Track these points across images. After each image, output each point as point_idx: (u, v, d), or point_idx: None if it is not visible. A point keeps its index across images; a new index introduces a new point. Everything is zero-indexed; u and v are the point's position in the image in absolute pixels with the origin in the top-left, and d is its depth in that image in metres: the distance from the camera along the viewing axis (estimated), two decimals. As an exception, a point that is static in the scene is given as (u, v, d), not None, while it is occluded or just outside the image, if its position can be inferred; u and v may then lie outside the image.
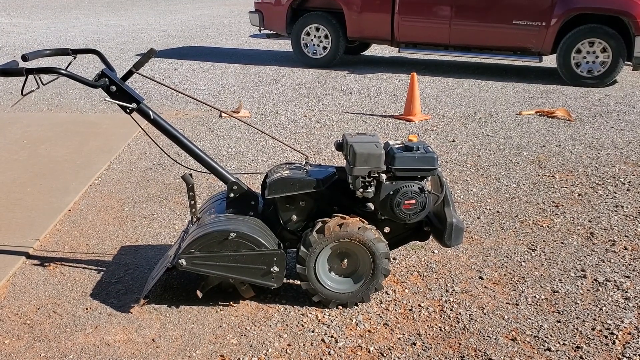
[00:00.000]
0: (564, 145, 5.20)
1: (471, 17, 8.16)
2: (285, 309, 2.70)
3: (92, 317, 2.64)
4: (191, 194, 2.75)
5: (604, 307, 2.72)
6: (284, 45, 10.23)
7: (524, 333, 2.53)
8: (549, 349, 2.42)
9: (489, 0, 8.02)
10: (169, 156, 3.09)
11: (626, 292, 2.86)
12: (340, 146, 2.82)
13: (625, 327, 2.57)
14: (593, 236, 3.45)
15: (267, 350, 2.42)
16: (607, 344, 2.46)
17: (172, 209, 3.81)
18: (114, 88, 2.59)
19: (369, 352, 2.42)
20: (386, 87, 7.58)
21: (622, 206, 3.88)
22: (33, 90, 2.69)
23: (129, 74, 2.66)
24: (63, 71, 2.49)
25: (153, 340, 2.49)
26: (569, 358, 2.37)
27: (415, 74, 6.17)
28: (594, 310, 2.70)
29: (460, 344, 2.47)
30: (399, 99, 6.89)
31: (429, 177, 2.68)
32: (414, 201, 2.60)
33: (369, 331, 2.56)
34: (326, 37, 8.85)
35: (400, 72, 8.54)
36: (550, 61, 8.55)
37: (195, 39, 12.07)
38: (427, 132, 5.62)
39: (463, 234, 2.73)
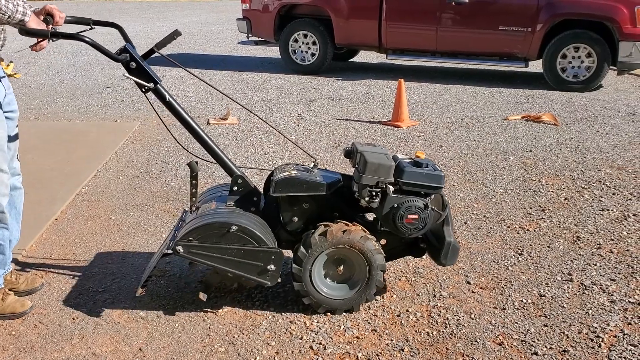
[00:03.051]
0: (550, 150, 5.25)
1: (458, 24, 8.22)
2: (274, 316, 2.70)
3: (79, 327, 2.62)
4: (194, 182, 2.74)
5: (590, 311, 2.74)
6: (272, 51, 10.26)
7: (511, 337, 2.55)
8: (536, 353, 2.44)
9: (475, 7, 8.09)
10: (176, 141, 3.07)
11: (612, 295, 2.88)
12: (349, 153, 2.83)
13: (611, 330, 2.59)
14: (579, 240, 3.48)
15: (255, 358, 2.42)
16: (593, 347, 2.48)
17: (159, 217, 3.80)
18: (133, 65, 2.56)
19: (357, 358, 2.42)
20: (374, 94, 7.61)
21: (608, 210, 3.92)
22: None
23: (150, 53, 2.65)
24: (87, 39, 2.45)
25: (140, 349, 2.48)
26: (555, 362, 2.39)
27: (402, 80, 6.20)
28: (580, 313, 2.72)
29: (447, 349, 2.48)
30: (387, 105, 6.92)
31: (433, 195, 2.67)
32: (416, 216, 2.60)
33: (357, 337, 2.56)
34: (314, 43, 8.87)
35: (388, 78, 8.58)
36: (536, 66, 8.63)
37: (183, 46, 12.05)
38: (414, 138, 5.65)
39: (458, 254, 2.74)
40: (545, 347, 2.48)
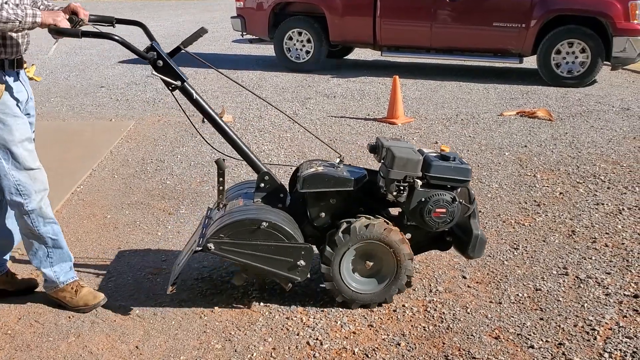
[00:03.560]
0: (545, 145, 5.26)
1: (452, 20, 8.23)
2: (270, 312, 2.70)
3: (75, 325, 2.61)
4: (221, 179, 2.74)
5: (586, 304, 2.75)
6: (267, 50, 10.24)
7: (507, 331, 2.55)
8: (532, 346, 2.44)
9: (469, 3, 8.10)
10: (202, 137, 3.08)
11: (607, 288, 2.89)
12: (374, 149, 2.83)
13: (606, 323, 2.60)
14: (574, 234, 3.49)
15: (252, 355, 2.42)
16: (588, 340, 2.48)
17: (154, 216, 3.79)
18: (160, 63, 2.56)
19: (354, 353, 2.43)
20: (369, 91, 7.61)
21: (603, 204, 3.93)
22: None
23: (176, 51, 2.65)
24: (117, 37, 2.46)
25: (137, 347, 2.47)
26: (551, 355, 2.39)
27: (397, 77, 6.20)
28: (575, 307, 2.73)
29: (444, 343, 2.48)
30: (382, 102, 6.92)
31: (459, 188, 2.68)
32: (444, 210, 2.61)
33: (354, 333, 2.56)
34: (309, 41, 8.87)
35: (383, 75, 8.59)
36: (530, 62, 8.64)
37: (177, 45, 12.03)
38: (410, 135, 5.65)
39: (485, 246, 2.76)
40: (541, 340, 2.49)
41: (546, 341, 2.48)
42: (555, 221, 3.67)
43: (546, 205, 3.91)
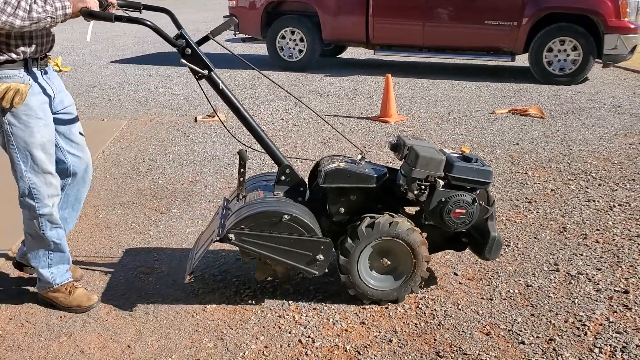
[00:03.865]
0: (537, 143, 5.28)
1: (444, 19, 8.25)
2: (262, 311, 2.70)
3: (67, 325, 2.61)
4: (242, 170, 2.74)
5: (576, 300, 2.77)
6: (260, 48, 10.23)
7: (499, 327, 2.57)
8: (523, 342, 2.46)
9: (461, 2, 8.12)
10: (226, 128, 3.08)
11: (597, 284, 2.91)
12: (395, 147, 2.84)
13: (596, 319, 2.61)
14: (565, 230, 3.51)
15: (244, 353, 2.42)
16: (579, 336, 2.50)
17: (146, 215, 3.78)
18: (189, 51, 2.55)
19: (346, 350, 2.43)
20: (362, 89, 7.62)
21: (594, 200, 3.95)
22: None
23: (204, 40, 2.65)
24: (149, 23, 2.46)
25: (129, 346, 2.47)
26: (542, 350, 2.40)
27: (390, 75, 6.21)
28: (566, 303, 2.75)
29: (435, 339, 2.49)
30: (375, 100, 6.93)
31: (478, 190, 2.69)
32: (464, 211, 2.62)
33: (346, 330, 2.57)
34: (301, 40, 8.87)
35: (376, 74, 8.60)
36: (522, 60, 8.67)
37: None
38: (402, 133, 5.66)
39: (501, 248, 2.77)
40: (532, 336, 2.50)
41: (537, 337, 2.49)
42: (546, 218, 3.68)
43: (537, 202, 3.92)
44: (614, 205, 3.86)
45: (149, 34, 13.90)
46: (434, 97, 7.18)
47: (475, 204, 2.63)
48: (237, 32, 9.45)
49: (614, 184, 4.25)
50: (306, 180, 2.85)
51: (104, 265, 3.15)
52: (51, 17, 2.29)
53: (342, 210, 2.73)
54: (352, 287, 2.68)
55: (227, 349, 2.44)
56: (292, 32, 8.89)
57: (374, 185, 2.67)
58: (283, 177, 2.72)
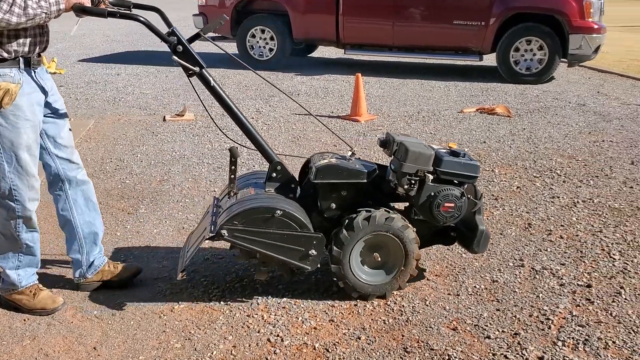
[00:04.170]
0: (504, 141, 5.37)
1: (413, 18, 8.33)
2: (231, 311, 2.69)
3: (30, 328, 2.56)
4: (233, 167, 2.73)
5: (541, 294, 2.82)
6: (230, 47, 10.17)
7: (465, 322, 2.60)
8: (489, 337, 2.49)
9: (430, 2, 8.20)
10: (215, 124, 3.03)
11: (561, 278, 2.97)
12: (384, 143, 2.85)
13: (560, 312, 2.67)
14: (531, 226, 3.57)
15: (212, 353, 2.40)
16: (543, 329, 2.55)
17: (114, 216, 3.73)
18: (180, 48, 2.54)
19: (314, 348, 2.44)
20: (333, 88, 7.64)
21: (558, 197, 4.03)
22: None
23: (195, 37, 2.64)
24: (142, 19, 2.44)
25: (94, 348, 2.44)
26: (507, 344, 2.45)
27: (360, 74, 6.24)
28: (531, 297, 2.80)
29: (403, 335, 2.52)
30: (346, 99, 6.96)
31: (466, 184, 2.73)
32: (453, 205, 2.65)
33: (315, 328, 2.57)
34: (272, 38, 8.85)
35: (346, 73, 8.63)
36: (490, 60, 8.80)
37: (139, 43, 11.87)
38: (373, 132, 5.69)
39: (489, 241, 2.82)
40: (498, 330, 2.54)
41: (502, 331, 2.54)
42: (512, 214, 3.75)
43: (504, 199, 3.99)
44: (577, 202, 3.95)
45: (118, 32, 13.72)
46: (403, 97, 7.24)
47: (464, 197, 2.67)
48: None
49: (578, 181, 4.35)
50: (296, 177, 2.86)
51: (69, 267, 3.09)
52: (46, 13, 2.26)
53: (334, 205, 2.75)
54: (341, 279, 2.70)
55: (195, 349, 2.43)
56: (263, 31, 8.87)
57: (365, 181, 2.70)
58: (274, 174, 2.73)
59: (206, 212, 2.97)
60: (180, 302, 2.75)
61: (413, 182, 2.66)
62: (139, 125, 5.83)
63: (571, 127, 5.84)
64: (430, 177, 2.66)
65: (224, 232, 2.52)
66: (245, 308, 2.71)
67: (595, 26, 7.79)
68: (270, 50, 8.91)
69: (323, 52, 10.83)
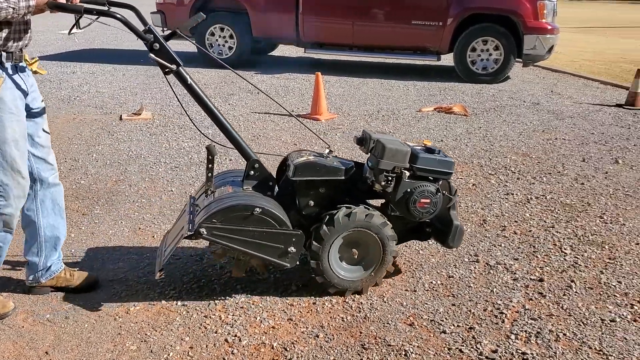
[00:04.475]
0: (460, 139, 5.46)
1: (373, 18, 8.39)
2: (188, 312, 2.66)
3: (-22, 334, 2.48)
4: (210, 165, 2.69)
5: (495, 289, 2.88)
6: (188, 45, 10.06)
7: (421, 318, 2.64)
8: (444, 332, 2.54)
9: (389, 2, 8.28)
10: (194, 123, 3.00)
11: (515, 273, 3.04)
12: (361, 141, 2.87)
13: (513, 306, 2.73)
14: (485, 223, 3.65)
15: (168, 355, 2.37)
16: (497, 323, 2.60)
17: (68, 217, 3.60)
18: (157, 46, 2.51)
19: (272, 348, 2.43)
20: (293, 87, 7.64)
21: (513, 194, 4.13)
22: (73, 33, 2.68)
23: (172, 35, 2.61)
24: (119, 16, 2.40)
25: (46, 352, 2.37)
26: (462, 339, 2.49)
27: (320, 73, 6.26)
28: (485, 292, 2.86)
29: (361, 332, 2.54)
30: (306, 98, 6.96)
31: (441, 181, 2.77)
32: (428, 200, 2.69)
33: (273, 327, 2.57)
34: (231, 37, 8.79)
35: (307, 72, 8.63)
36: (448, 60, 8.94)
37: (96, 41, 11.62)
38: (333, 131, 5.71)
39: (463, 236, 2.88)
40: (453, 325, 2.59)
41: (457, 326, 2.58)
42: (468, 211, 3.82)
43: (460, 197, 4.06)
44: (531, 198, 4.05)
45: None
46: (363, 96, 7.29)
47: (439, 193, 2.72)
48: (165, 28, 9.24)
49: (531, 178, 4.46)
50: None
51: (20, 269, 3.01)
52: (13, 8, 2.18)
53: (312, 203, 2.76)
54: (320, 275, 2.71)
55: (151, 351, 2.39)
56: (222, 29, 8.80)
57: (343, 178, 2.72)
58: (252, 172, 2.73)
59: (182, 210, 2.95)
60: (136, 304, 2.70)
61: (390, 178, 2.70)
62: (94, 124, 5.71)
63: (525, 126, 5.98)
64: (407, 173, 2.70)
65: (203, 230, 2.51)
66: (202, 309, 2.68)
67: (549, 27, 7.99)
68: (230, 48, 8.84)
69: (283, 50, 10.81)
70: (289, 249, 2.61)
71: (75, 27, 2.69)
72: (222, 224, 2.53)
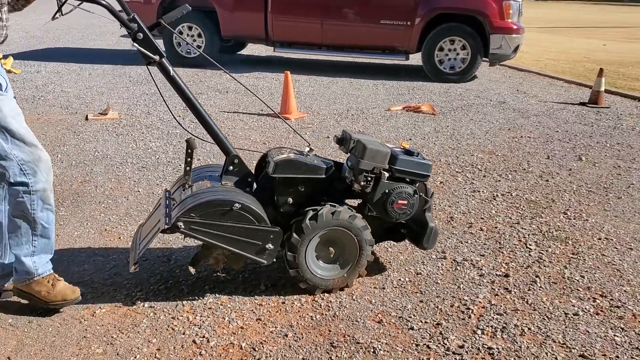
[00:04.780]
0: (428, 138, 5.52)
1: (342, 18, 8.42)
2: (155, 313, 2.63)
3: (-63, 341, 2.41)
4: (189, 159, 2.65)
5: (462, 285, 2.92)
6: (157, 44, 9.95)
7: (390, 315, 2.66)
8: (412, 328, 2.56)
9: (358, 1, 8.31)
10: (174, 117, 2.94)
11: (481, 269, 3.09)
12: (341, 141, 2.87)
13: (480, 302, 2.78)
14: (452, 220, 3.69)
15: (135, 357, 2.34)
16: (464, 319, 2.64)
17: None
18: (141, 35, 2.48)
19: (241, 348, 2.42)
20: (263, 86, 7.62)
21: (479, 191, 4.19)
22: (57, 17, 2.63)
23: (155, 25, 2.58)
24: (104, 3, 2.38)
25: (9, 358, 2.32)
26: (430, 335, 2.52)
27: (289, 72, 6.25)
28: (452, 288, 2.90)
29: (330, 330, 2.54)
30: (276, 97, 6.95)
31: (418, 183, 2.79)
32: (406, 202, 2.72)
33: (242, 328, 2.56)
34: (199, 35, 8.72)
35: (276, 71, 8.62)
36: (416, 59, 9.02)
37: (61, 40, 11.40)
38: (303, 130, 5.71)
39: (437, 237, 2.93)
40: (421, 321, 2.61)
41: (425, 322, 2.61)
42: (435, 209, 3.86)
43: (428, 194, 4.10)
44: (497, 195, 4.12)
45: (38, 28, 13.11)
46: (333, 95, 7.31)
47: (416, 195, 2.75)
48: (132, 27, 9.12)
49: (497, 175, 4.53)
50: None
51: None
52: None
53: (290, 200, 2.76)
54: (294, 268, 2.71)
55: (118, 354, 2.36)
56: (190, 28, 8.72)
57: (324, 177, 2.73)
58: (231, 167, 2.71)
59: (157, 204, 2.91)
60: (102, 306, 2.66)
61: (369, 179, 2.72)
62: (59, 124, 5.60)
63: (492, 124, 6.07)
64: (386, 174, 2.72)
65: (181, 224, 2.48)
66: (170, 310, 2.65)
67: (515, 27, 8.13)
68: (198, 47, 8.76)
69: (252, 49, 10.77)
70: (266, 246, 2.61)
71: (58, 13, 2.64)
72: (200, 218, 2.50)
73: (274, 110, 3.45)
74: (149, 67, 2.58)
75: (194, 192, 2.64)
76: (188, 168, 2.70)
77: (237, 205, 2.53)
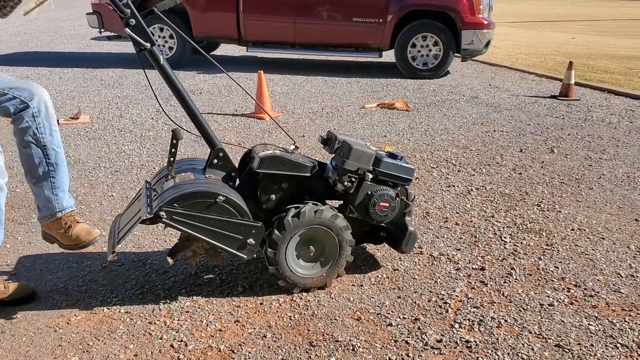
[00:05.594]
0: (403, 134, 5.55)
1: (314, 16, 8.41)
2: (132, 319, 2.60)
3: None
4: (173, 150, 2.62)
5: (439, 280, 2.95)
6: (128, 47, 9.83)
7: (368, 312, 2.67)
8: (391, 324, 2.57)
9: (329, 0, 8.32)
10: (162, 108, 2.94)
11: (457, 263, 3.11)
12: (326, 141, 2.88)
13: (456, 296, 2.80)
14: (428, 215, 3.72)
15: (112, 363, 2.32)
16: (441, 313, 2.66)
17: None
18: (133, 22, 2.46)
19: (220, 350, 2.41)
20: (236, 86, 7.57)
21: (454, 186, 4.23)
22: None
23: (149, 13, 2.56)
24: None
25: (-19, 370, 2.28)
26: (408, 330, 2.53)
27: (262, 72, 6.23)
28: (429, 283, 2.92)
29: (309, 330, 2.54)
30: (250, 97, 6.92)
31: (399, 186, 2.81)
32: (387, 204, 2.74)
33: (220, 330, 2.54)
34: (171, 37, 8.64)
35: (250, 71, 8.58)
36: (389, 56, 9.06)
37: (29, 43, 11.19)
38: (278, 129, 5.70)
39: (416, 241, 2.96)
40: (399, 317, 2.63)
41: (403, 318, 2.62)
42: (412, 205, 3.88)
43: (404, 191, 4.12)
44: (471, 189, 4.16)
45: (5, 31, 12.85)
46: (307, 93, 7.30)
47: (398, 198, 2.77)
48: (102, 30, 9.00)
49: (471, 170, 4.58)
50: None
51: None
52: None
53: (273, 197, 2.76)
54: (281, 278, 2.71)
55: (94, 362, 2.33)
56: (161, 29, 8.64)
57: (308, 174, 2.73)
58: (215, 160, 2.69)
59: (137, 194, 2.87)
60: (77, 314, 2.62)
61: (353, 179, 2.73)
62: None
63: (465, 119, 6.13)
64: (370, 176, 2.74)
65: (163, 214, 2.45)
66: (146, 315, 2.63)
67: (485, 22, 8.22)
68: (170, 48, 8.69)
69: (226, 50, 10.70)
70: (248, 241, 2.60)
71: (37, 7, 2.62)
72: (183, 209, 2.48)
73: (266, 111, 3.42)
74: (139, 54, 2.56)
75: (177, 183, 2.61)
76: (172, 159, 2.68)
77: (221, 197, 2.52)
